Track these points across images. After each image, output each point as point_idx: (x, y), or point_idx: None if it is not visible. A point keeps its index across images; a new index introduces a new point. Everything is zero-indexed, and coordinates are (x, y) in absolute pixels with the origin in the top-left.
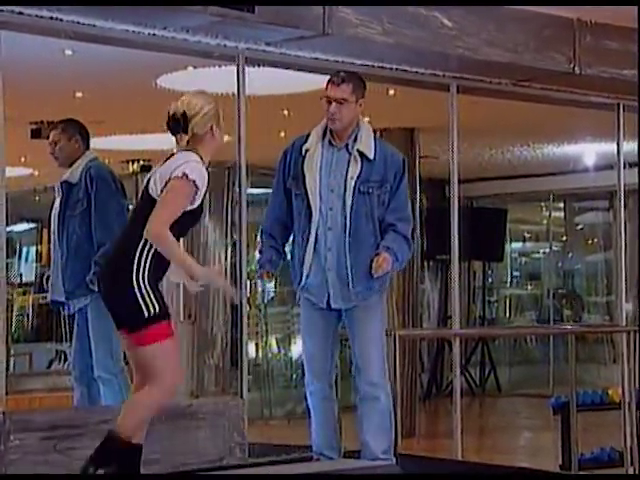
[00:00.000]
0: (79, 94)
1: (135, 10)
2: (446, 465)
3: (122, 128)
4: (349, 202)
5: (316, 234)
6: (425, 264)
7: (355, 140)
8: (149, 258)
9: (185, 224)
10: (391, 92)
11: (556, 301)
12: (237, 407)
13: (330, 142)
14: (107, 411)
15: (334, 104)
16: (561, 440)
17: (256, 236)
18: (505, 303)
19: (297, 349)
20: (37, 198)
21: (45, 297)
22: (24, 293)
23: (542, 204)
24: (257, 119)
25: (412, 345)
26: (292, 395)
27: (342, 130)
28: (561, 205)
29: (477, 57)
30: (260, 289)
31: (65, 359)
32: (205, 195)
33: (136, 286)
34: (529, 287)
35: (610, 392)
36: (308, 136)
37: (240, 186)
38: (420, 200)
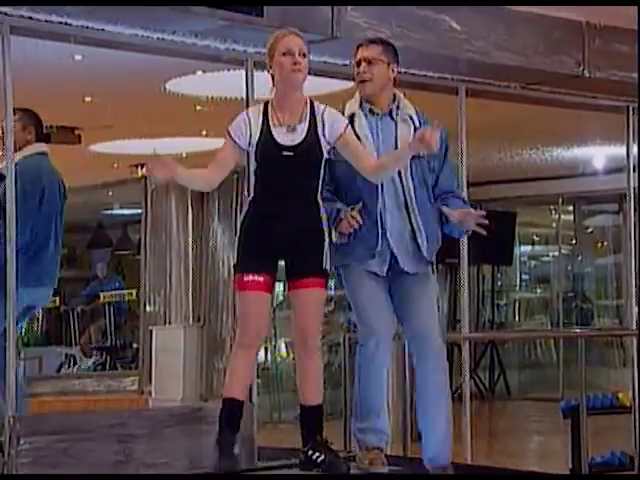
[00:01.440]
0: (88, 98)
1: (144, 14)
2: (456, 469)
3: (131, 132)
4: (407, 166)
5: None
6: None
7: (398, 107)
8: (244, 211)
9: (261, 170)
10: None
11: (566, 304)
12: (246, 411)
13: (370, 110)
14: (117, 415)
15: (363, 64)
16: (571, 444)
17: None
18: (514, 307)
19: None
20: None
21: (54, 301)
22: None
23: (551, 207)
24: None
25: None
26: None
27: (376, 94)
28: (570, 208)
29: (486, 60)
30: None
31: (75, 363)
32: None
33: (236, 237)
34: (538, 290)
35: (620, 396)
36: (344, 109)
37: (249, 191)
38: None
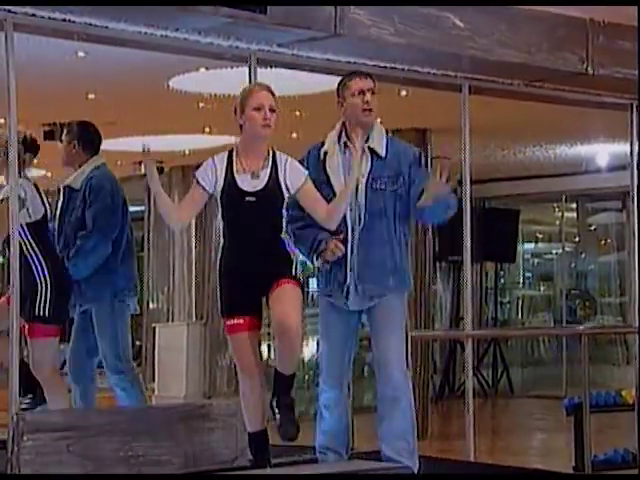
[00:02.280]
0: (92, 95)
1: (147, 12)
2: (459, 466)
3: (134, 129)
4: (362, 201)
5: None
6: (437, 265)
7: (367, 139)
8: (219, 256)
9: (227, 215)
10: (403, 93)
11: (569, 302)
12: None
13: (345, 144)
14: (120, 412)
15: (368, 94)
16: (574, 441)
17: None
18: (518, 304)
19: (310, 350)
20: (50, 200)
21: None
22: None
23: (555, 205)
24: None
25: (424, 346)
26: (304, 396)
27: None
28: (574, 206)
29: (489, 57)
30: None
31: None
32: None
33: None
34: (542, 288)
35: (623, 393)
36: (323, 143)
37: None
38: None
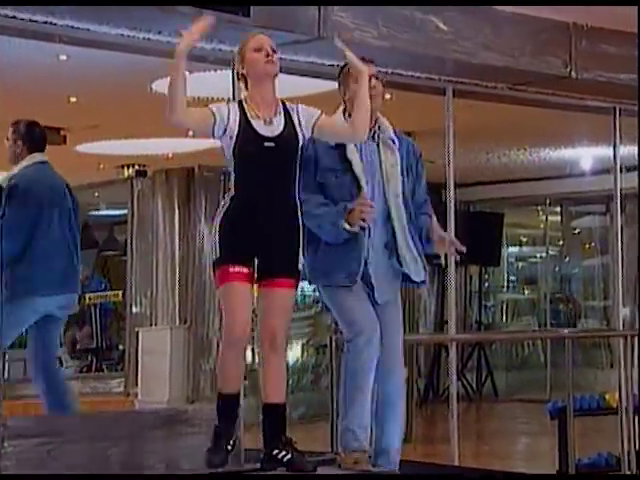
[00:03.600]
0: (73, 99)
1: (129, 14)
2: (443, 470)
3: (117, 133)
4: (398, 190)
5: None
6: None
7: (380, 129)
8: (226, 205)
9: (243, 162)
10: (387, 96)
11: (553, 306)
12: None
13: None
14: (103, 417)
15: (373, 79)
16: (558, 445)
17: None
18: (502, 308)
19: (294, 354)
20: None
21: None
22: None
23: (539, 208)
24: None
25: (409, 350)
26: (288, 401)
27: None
28: (558, 209)
29: (473, 61)
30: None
31: (60, 364)
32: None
33: (213, 231)
34: (526, 292)
35: (607, 397)
36: None
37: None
38: None
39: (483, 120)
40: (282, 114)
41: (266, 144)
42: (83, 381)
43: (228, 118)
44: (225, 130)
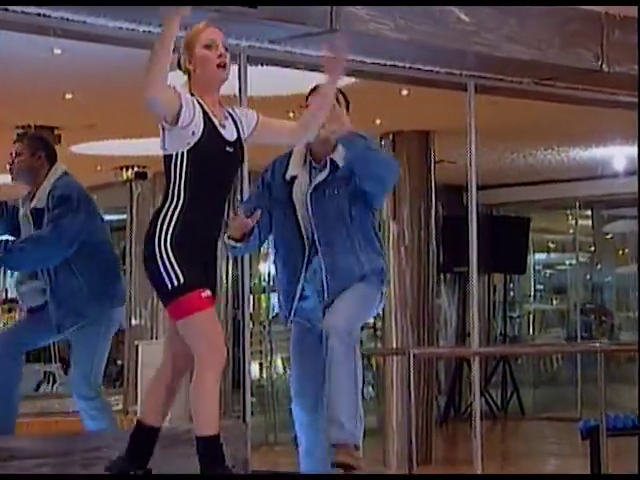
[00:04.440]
0: (69, 96)
1: (128, 6)
2: None
3: (116, 132)
4: (314, 211)
5: (309, 259)
6: (441, 277)
7: (333, 149)
8: (173, 220)
9: (201, 167)
10: (404, 92)
11: (584, 317)
12: (240, 432)
13: (311, 163)
14: (95, 438)
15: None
16: (590, 467)
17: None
18: (528, 319)
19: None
20: None
21: None
22: (9, 310)
23: (568, 212)
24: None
25: (428, 364)
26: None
27: (323, 143)
28: (589, 213)
29: (497, 54)
30: (264, 304)
31: (54, 381)
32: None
33: (158, 254)
34: (554, 302)
35: None
36: (290, 156)
37: (242, 194)
38: (436, 208)
39: (507, 117)
40: (229, 117)
41: (227, 149)
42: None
43: (194, 111)
44: (190, 122)
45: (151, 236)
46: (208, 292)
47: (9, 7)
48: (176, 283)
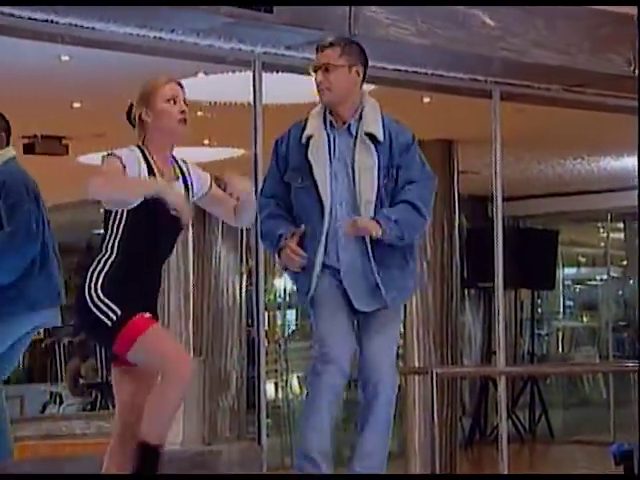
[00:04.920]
0: (77, 104)
1: (139, 11)
2: None
3: (125, 142)
4: (370, 196)
5: (327, 234)
6: (465, 293)
7: (360, 119)
8: (105, 269)
9: (140, 227)
10: (426, 100)
11: (616, 334)
12: (255, 455)
13: (331, 123)
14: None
15: (319, 72)
16: None
17: (275, 262)
18: (557, 337)
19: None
20: None
21: (38, 332)
22: None
23: (599, 224)
24: (275, 131)
25: (452, 384)
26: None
27: (338, 103)
28: (621, 225)
29: (523, 60)
30: (279, 321)
31: (61, 402)
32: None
33: (89, 300)
34: (585, 319)
35: None
36: (306, 121)
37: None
38: (459, 220)
39: (534, 126)
40: (180, 177)
41: (172, 212)
42: (87, 420)
43: (138, 171)
44: None
45: (82, 285)
46: (148, 314)
47: (15, 13)
48: (114, 317)
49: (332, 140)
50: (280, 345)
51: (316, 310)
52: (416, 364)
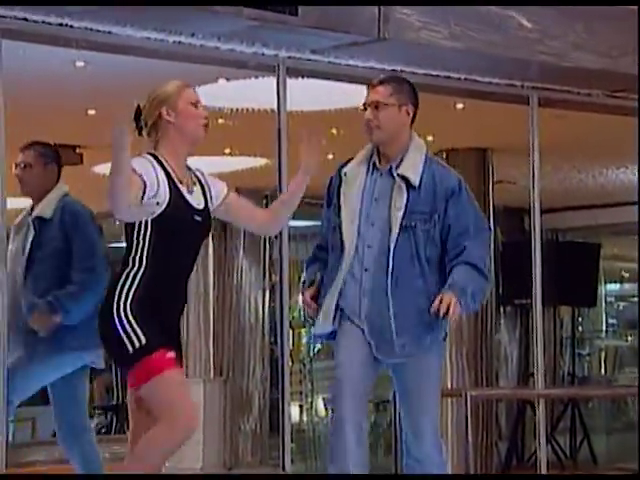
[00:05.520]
0: (92, 112)
1: (158, 15)
2: None
3: (141, 151)
4: (393, 238)
5: (349, 275)
6: (501, 310)
7: (401, 162)
8: (135, 283)
9: (165, 236)
10: (459, 106)
11: None
12: None
13: (374, 164)
14: None
15: (369, 109)
16: None
17: (299, 277)
18: (600, 357)
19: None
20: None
21: None
22: None
23: None
24: (300, 139)
25: (486, 407)
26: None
27: (387, 143)
28: None
29: (562, 63)
30: (305, 340)
31: None
32: (168, 201)
33: (117, 319)
34: (629, 337)
35: None
36: (352, 159)
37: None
38: (494, 233)
39: (574, 133)
40: (198, 183)
41: (196, 217)
42: (101, 444)
43: (158, 182)
44: (155, 195)
45: (109, 301)
46: (172, 353)
47: (29, 17)
48: (137, 345)
49: (373, 182)
50: (305, 365)
51: (335, 355)
52: (448, 386)
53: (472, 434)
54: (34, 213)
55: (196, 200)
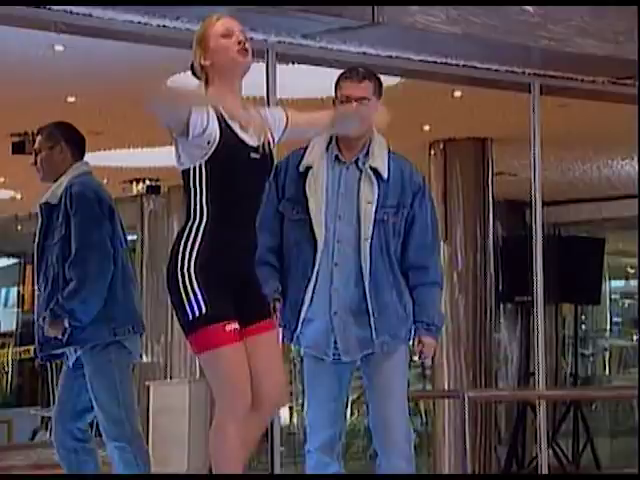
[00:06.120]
0: (71, 99)
1: None
2: None
3: (125, 141)
4: (368, 233)
5: (318, 270)
6: (501, 308)
7: (367, 154)
8: (197, 240)
9: (223, 178)
10: (457, 94)
11: None
12: None
13: (337, 157)
14: None
15: (355, 104)
16: None
17: None
18: (604, 357)
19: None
20: (19, 227)
21: (28, 350)
22: (2, 346)
23: None
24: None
25: (485, 409)
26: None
27: (360, 138)
28: None
29: (566, 50)
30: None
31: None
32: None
33: (180, 279)
34: (634, 337)
35: None
36: (306, 150)
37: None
38: (494, 228)
39: (578, 123)
40: (255, 119)
41: (252, 155)
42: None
43: (208, 117)
44: (204, 131)
45: (173, 258)
46: (234, 325)
47: None
48: (197, 313)
49: (338, 175)
50: (295, 365)
51: (304, 362)
52: (446, 387)
53: (470, 438)
54: (42, 199)
55: (252, 137)
